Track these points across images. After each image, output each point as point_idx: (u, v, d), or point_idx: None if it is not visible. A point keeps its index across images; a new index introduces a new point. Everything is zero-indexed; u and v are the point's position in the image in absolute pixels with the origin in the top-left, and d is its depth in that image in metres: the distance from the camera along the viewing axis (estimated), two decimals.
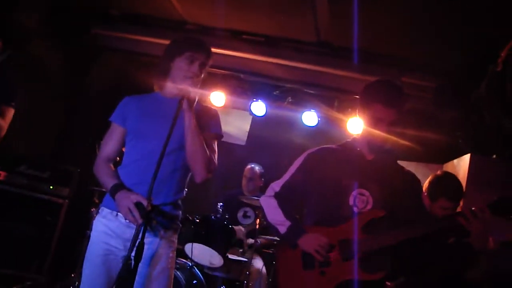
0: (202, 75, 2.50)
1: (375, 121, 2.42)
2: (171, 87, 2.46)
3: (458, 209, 3.23)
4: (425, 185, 3.33)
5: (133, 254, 2.01)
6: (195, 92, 2.32)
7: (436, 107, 4.80)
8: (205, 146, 2.34)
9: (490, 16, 3.56)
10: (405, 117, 2.48)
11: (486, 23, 3.67)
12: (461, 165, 4.54)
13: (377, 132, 2.42)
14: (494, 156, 4.47)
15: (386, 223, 2.34)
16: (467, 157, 4.42)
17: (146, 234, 2.27)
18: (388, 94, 2.43)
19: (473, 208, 2.24)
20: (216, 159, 2.46)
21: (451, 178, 3.36)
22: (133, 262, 2.09)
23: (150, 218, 2.15)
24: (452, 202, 3.19)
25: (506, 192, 2.33)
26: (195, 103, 2.35)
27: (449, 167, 4.90)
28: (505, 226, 2.46)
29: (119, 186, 2.30)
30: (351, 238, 2.34)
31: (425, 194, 3.30)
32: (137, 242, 2.03)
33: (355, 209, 2.40)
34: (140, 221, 2.10)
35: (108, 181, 2.35)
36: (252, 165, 5.35)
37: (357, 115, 2.59)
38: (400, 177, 2.50)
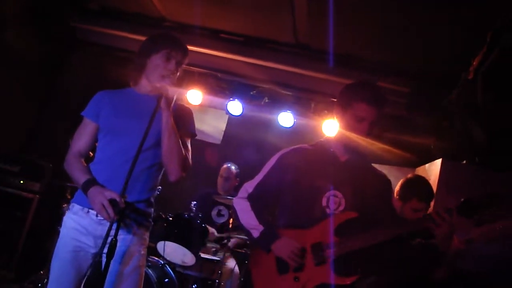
0: (178, 73, 2.49)
1: (357, 120, 2.41)
2: (146, 83, 2.45)
3: (429, 211, 3.30)
4: (397, 187, 3.39)
5: (105, 251, 1.99)
6: (173, 91, 2.31)
7: (410, 112, 4.88)
8: (180, 146, 2.34)
9: (464, 24, 3.64)
10: (380, 121, 2.51)
11: (459, 31, 3.75)
12: (433, 170, 4.64)
13: (353, 135, 2.43)
14: (464, 161, 4.58)
15: (358, 225, 2.35)
16: (438, 162, 4.52)
17: (120, 231, 2.27)
18: (373, 93, 2.45)
19: (440, 211, 2.29)
20: (190, 158, 2.46)
21: (422, 180, 3.43)
22: (104, 259, 2.08)
23: (124, 215, 2.13)
24: (424, 203, 3.26)
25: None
26: (174, 102, 2.34)
27: (421, 171, 5.00)
28: (470, 225, 2.53)
29: (92, 182, 2.26)
30: (323, 242, 2.35)
31: (396, 196, 3.36)
32: (110, 239, 2.01)
33: (328, 210, 2.40)
34: (114, 218, 2.08)
35: (79, 177, 2.31)
36: (228, 165, 5.35)
37: (334, 116, 2.59)
38: (372, 178, 2.52)
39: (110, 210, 2.10)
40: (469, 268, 3.52)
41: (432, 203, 3.52)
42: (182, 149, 2.35)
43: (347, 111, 2.45)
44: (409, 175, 3.51)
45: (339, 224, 2.35)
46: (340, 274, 2.29)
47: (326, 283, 2.28)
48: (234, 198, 2.67)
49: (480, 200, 2.29)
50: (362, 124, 2.41)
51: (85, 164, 2.43)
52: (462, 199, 2.30)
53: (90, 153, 2.54)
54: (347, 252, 2.32)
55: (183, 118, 2.49)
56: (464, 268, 3.26)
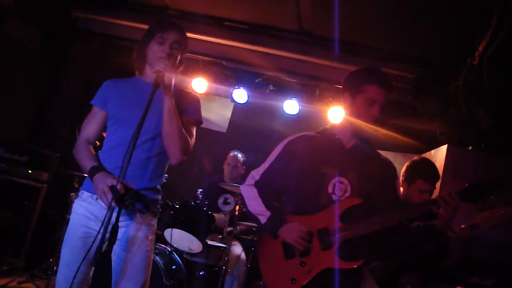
0: (180, 56, 2.48)
1: (369, 103, 2.42)
2: (150, 72, 2.46)
3: (434, 194, 3.31)
4: (402, 170, 3.39)
5: (107, 236, 2.01)
6: (170, 74, 2.29)
7: (415, 98, 4.87)
8: (182, 129, 2.34)
9: (468, 9, 3.61)
10: (387, 107, 2.51)
11: (464, 16, 3.72)
12: (438, 156, 4.63)
13: (359, 121, 2.44)
14: (470, 147, 4.57)
15: (363, 211, 2.37)
16: (444, 148, 4.51)
17: (124, 217, 2.30)
18: (383, 77, 2.47)
19: (444, 195, 2.30)
20: (193, 143, 2.45)
21: (428, 162, 3.43)
22: (105, 244, 2.11)
23: (124, 201, 2.12)
24: (429, 184, 3.26)
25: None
26: (172, 85, 2.33)
27: (426, 157, 4.99)
28: (473, 211, 2.54)
29: (97, 168, 2.30)
30: (329, 227, 2.37)
31: (402, 178, 3.36)
32: (111, 225, 2.01)
33: (334, 197, 2.42)
34: (112, 203, 2.09)
35: (86, 163, 2.35)
36: (235, 153, 5.35)
37: (342, 103, 2.59)
38: (377, 165, 2.53)
39: (109, 196, 2.12)
40: (475, 254, 3.55)
41: (437, 186, 3.53)
42: (184, 133, 2.35)
43: (358, 95, 2.46)
44: (415, 158, 3.51)
45: (345, 209, 2.37)
46: (346, 259, 2.32)
47: (332, 268, 2.31)
48: (241, 185, 2.69)
49: (484, 186, 2.30)
50: (373, 107, 2.42)
51: (93, 152, 2.46)
52: (467, 184, 2.31)
53: (97, 142, 2.56)
54: (352, 237, 2.34)
55: (187, 104, 2.49)
56: (470, 253, 3.29)
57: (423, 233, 2.61)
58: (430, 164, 3.39)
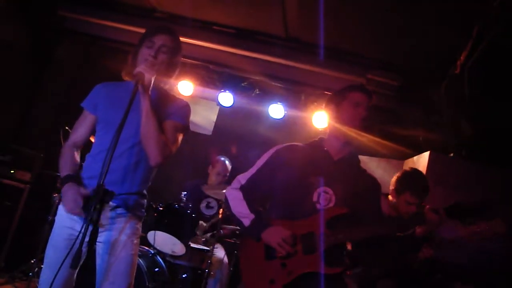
0: (169, 59, 2.47)
1: (354, 106, 2.54)
2: None
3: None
4: (393, 180, 3.45)
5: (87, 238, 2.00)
6: (149, 75, 2.28)
7: (399, 104, 4.93)
8: (159, 130, 2.32)
9: (450, 19, 3.68)
10: (370, 114, 2.58)
11: (446, 26, 3.79)
12: (421, 162, 4.70)
13: (345, 129, 2.52)
14: (452, 154, 4.64)
15: (347, 220, 2.42)
16: (426, 155, 4.57)
17: (108, 221, 2.30)
18: (363, 86, 2.71)
19: (428, 212, 2.36)
20: (174, 147, 2.43)
21: (417, 174, 3.48)
22: (98, 248, 2.12)
23: (102, 203, 2.05)
24: (416, 197, 3.32)
25: (460, 191, 2.47)
26: (151, 86, 2.32)
27: (409, 163, 5.05)
28: (457, 227, 2.59)
29: (69, 178, 2.31)
30: (314, 232, 2.41)
31: (392, 188, 3.42)
32: (91, 226, 1.99)
33: (318, 205, 2.46)
34: (76, 213, 2.19)
35: (63, 170, 2.36)
36: (223, 159, 5.30)
37: (329, 116, 2.67)
38: (362, 180, 2.60)
39: (80, 202, 2.18)
40: (456, 260, 3.61)
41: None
42: (161, 134, 2.33)
43: (343, 102, 2.59)
44: (407, 168, 3.56)
45: (330, 217, 2.42)
46: (327, 264, 2.35)
47: (313, 272, 2.35)
48: (226, 188, 2.70)
49: (471, 207, 2.35)
50: (359, 108, 2.53)
51: (76, 157, 2.45)
52: (454, 202, 2.36)
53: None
54: (335, 244, 2.38)
55: (175, 109, 2.48)
56: (451, 260, 3.35)
57: (402, 241, 2.66)
58: (420, 178, 3.45)
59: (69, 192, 2.23)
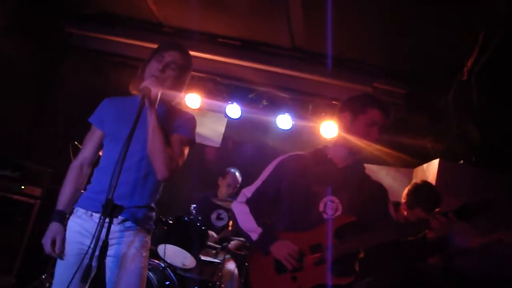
0: (177, 76, 2.48)
1: (369, 125, 2.48)
2: None
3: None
4: (404, 193, 3.44)
5: (97, 253, 2.00)
6: (156, 90, 2.29)
7: (407, 113, 4.92)
8: (165, 144, 2.32)
9: (457, 26, 3.68)
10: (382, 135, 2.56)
11: (453, 32, 3.79)
12: (430, 170, 4.67)
13: (353, 142, 2.49)
14: (461, 161, 4.61)
15: (355, 228, 2.40)
16: (436, 162, 4.55)
17: (117, 234, 2.30)
18: (385, 104, 2.56)
19: (439, 216, 2.34)
20: (181, 160, 2.43)
21: (427, 189, 3.46)
22: (109, 262, 2.15)
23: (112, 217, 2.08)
24: (427, 213, 3.30)
25: (471, 198, 2.45)
26: (157, 101, 2.33)
27: (419, 171, 5.03)
28: (467, 230, 2.57)
29: (57, 214, 2.40)
30: (322, 243, 2.39)
31: (404, 201, 3.41)
32: (101, 241, 1.99)
33: (324, 215, 2.45)
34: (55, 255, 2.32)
35: (59, 200, 2.45)
36: (233, 170, 5.32)
37: (340, 121, 2.62)
38: (367, 186, 2.57)
39: (48, 249, 2.32)
40: (467, 267, 3.57)
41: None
42: (168, 149, 2.33)
43: (360, 115, 2.52)
44: (418, 182, 3.54)
45: (338, 227, 2.40)
46: (337, 275, 2.34)
47: (323, 284, 2.33)
48: (232, 202, 2.70)
49: (477, 206, 2.34)
50: (373, 128, 2.48)
51: (81, 178, 2.50)
52: (461, 204, 2.35)
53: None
54: (345, 254, 2.36)
55: (179, 121, 2.49)
56: (461, 267, 3.32)
57: (413, 246, 2.64)
58: (430, 191, 3.43)
59: (51, 233, 2.35)
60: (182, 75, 2.53)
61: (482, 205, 2.34)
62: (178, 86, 2.53)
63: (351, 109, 2.57)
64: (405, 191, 3.45)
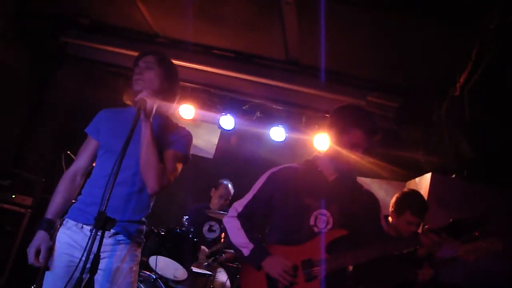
0: (161, 81, 2.49)
1: (351, 146, 2.46)
2: None
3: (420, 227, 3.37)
4: (392, 201, 3.45)
5: (88, 266, 1.98)
6: (151, 102, 2.30)
7: (399, 126, 4.94)
8: (158, 158, 2.31)
9: (450, 41, 3.72)
10: (372, 148, 2.56)
11: (446, 47, 3.83)
12: (423, 183, 4.68)
13: (344, 153, 2.47)
14: (454, 175, 4.63)
15: (346, 243, 2.40)
16: (428, 176, 4.56)
17: (108, 248, 2.28)
18: (369, 122, 2.50)
19: (429, 234, 2.35)
20: (173, 176, 2.42)
21: (416, 195, 3.51)
22: (98, 276, 2.12)
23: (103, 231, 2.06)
24: (417, 217, 3.32)
25: (462, 212, 2.47)
26: (153, 113, 2.33)
27: (411, 185, 5.04)
28: (455, 242, 2.58)
29: (45, 224, 2.36)
30: (314, 258, 2.38)
31: (392, 209, 3.42)
32: (92, 255, 1.98)
33: (315, 229, 2.44)
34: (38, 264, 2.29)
35: (49, 208, 2.41)
36: (225, 182, 5.31)
37: (329, 135, 2.60)
38: (359, 197, 2.56)
39: (31, 258, 2.29)
40: (457, 281, 3.58)
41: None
42: (160, 163, 2.32)
43: (343, 135, 2.49)
44: (405, 189, 3.57)
45: (329, 241, 2.40)
46: None
47: None
48: (224, 217, 2.69)
49: (467, 223, 2.36)
50: (356, 150, 2.46)
51: (72, 188, 2.48)
52: (451, 220, 2.36)
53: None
54: (336, 269, 2.36)
55: (174, 137, 2.48)
56: (445, 280, 3.33)
57: (405, 261, 2.64)
58: (419, 197, 3.47)
59: (37, 242, 2.32)
60: (169, 83, 2.53)
61: (472, 221, 2.36)
62: (169, 96, 2.54)
63: (337, 127, 2.54)
64: (393, 199, 3.46)
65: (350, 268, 2.53)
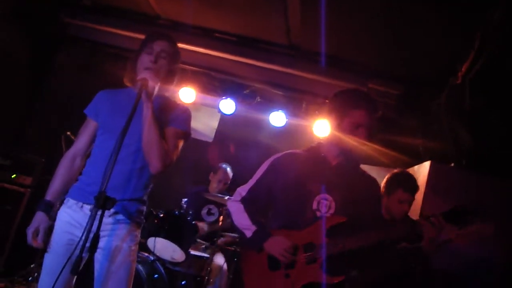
0: (168, 66, 2.50)
1: (355, 127, 2.48)
2: None
3: (414, 207, 3.38)
4: (383, 182, 3.45)
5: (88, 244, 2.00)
6: (153, 83, 2.31)
7: (399, 114, 4.94)
8: (161, 138, 2.33)
9: (453, 30, 3.70)
10: (376, 125, 2.57)
11: (449, 36, 3.81)
12: (421, 171, 4.70)
13: (344, 137, 2.50)
14: (452, 164, 4.65)
15: (347, 228, 2.42)
16: (427, 164, 4.57)
17: (108, 227, 2.30)
18: (367, 100, 2.54)
19: (431, 218, 2.37)
20: (175, 154, 2.44)
21: (407, 173, 3.53)
22: (98, 254, 2.18)
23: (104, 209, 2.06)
24: (408, 193, 3.34)
25: (461, 200, 2.48)
26: (154, 93, 2.34)
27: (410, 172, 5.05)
28: (455, 232, 2.60)
29: (43, 204, 2.39)
30: (315, 242, 2.42)
31: (383, 190, 3.42)
32: (92, 233, 1.98)
33: (318, 213, 2.48)
34: (33, 244, 2.31)
35: (49, 189, 2.44)
36: (224, 166, 5.32)
37: (329, 121, 2.63)
38: (361, 183, 2.59)
39: (29, 238, 2.32)
40: (445, 267, 3.62)
41: (419, 200, 3.57)
42: (164, 143, 2.35)
43: (344, 118, 2.51)
44: (395, 170, 3.58)
45: (330, 226, 2.43)
46: (329, 274, 2.37)
47: (315, 282, 2.37)
48: (228, 201, 2.73)
49: (466, 209, 2.38)
50: (360, 130, 2.48)
51: (73, 169, 2.49)
52: (451, 207, 2.38)
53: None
54: (337, 253, 2.40)
55: (174, 114, 2.49)
56: (440, 268, 3.36)
57: (409, 254, 2.67)
58: (409, 175, 3.49)
59: (35, 223, 2.35)
60: (173, 65, 2.54)
61: (471, 208, 2.38)
62: (170, 77, 2.55)
63: (337, 111, 2.56)
64: (384, 180, 3.46)
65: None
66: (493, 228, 2.52)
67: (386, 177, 3.49)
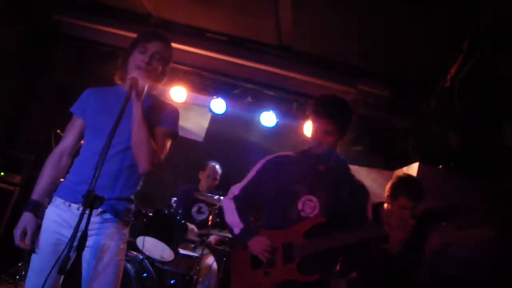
0: (161, 67, 2.49)
1: (321, 131, 2.57)
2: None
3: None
4: (387, 186, 3.45)
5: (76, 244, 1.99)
6: (144, 82, 2.30)
7: (388, 115, 4.98)
8: (150, 138, 2.32)
9: (442, 33, 3.74)
10: (359, 124, 2.61)
11: (438, 39, 3.85)
12: (410, 173, 4.72)
13: (326, 143, 2.58)
14: (441, 166, 4.68)
15: (325, 229, 2.53)
16: (415, 166, 4.59)
17: (96, 226, 2.29)
18: (326, 107, 2.57)
19: (397, 220, 2.43)
20: (163, 154, 2.44)
21: (412, 179, 3.49)
22: (86, 253, 2.18)
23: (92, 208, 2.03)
24: (411, 200, 3.31)
25: (449, 202, 2.51)
26: (144, 93, 2.33)
27: (398, 174, 5.07)
28: (450, 229, 2.62)
29: (29, 204, 2.35)
30: (294, 242, 2.55)
31: (387, 194, 3.41)
32: (80, 232, 1.96)
33: (302, 213, 2.58)
34: (23, 246, 2.29)
35: (35, 189, 2.39)
36: (214, 164, 5.33)
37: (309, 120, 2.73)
38: (349, 188, 2.66)
39: (17, 239, 2.29)
40: (447, 272, 3.63)
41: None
42: (152, 143, 2.34)
43: (313, 124, 2.64)
44: (401, 175, 3.57)
45: (311, 226, 2.54)
46: (305, 273, 2.49)
47: (291, 280, 2.49)
48: (222, 198, 2.80)
49: (438, 212, 2.40)
50: (327, 136, 2.56)
51: (59, 167, 2.46)
52: (424, 209, 2.41)
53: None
54: (313, 253, 2.51)
55: (163, 114, 2.48)
56: (442, 273, 3.37)
57: (378, 254, 2.69)
58: (414, 182, 3.44)
59: (23, 223, 2.31)
60: (165, 68, 2.53)
61: (443, 211, 2.40)
62: (161, 78, 2.54)
63: (310, 118, 2.69)
64: (388, 184, 3.45)
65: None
66: (497, 231, 2.54)
67: (391, 181, 3.46)
